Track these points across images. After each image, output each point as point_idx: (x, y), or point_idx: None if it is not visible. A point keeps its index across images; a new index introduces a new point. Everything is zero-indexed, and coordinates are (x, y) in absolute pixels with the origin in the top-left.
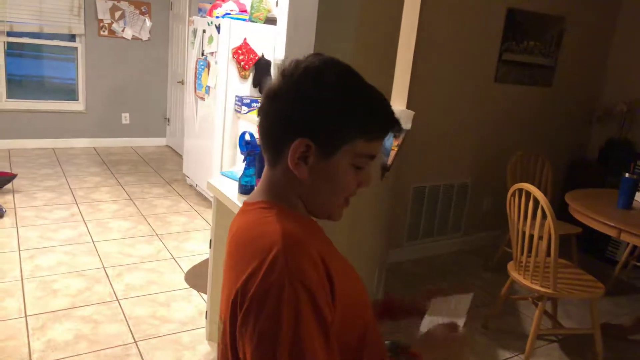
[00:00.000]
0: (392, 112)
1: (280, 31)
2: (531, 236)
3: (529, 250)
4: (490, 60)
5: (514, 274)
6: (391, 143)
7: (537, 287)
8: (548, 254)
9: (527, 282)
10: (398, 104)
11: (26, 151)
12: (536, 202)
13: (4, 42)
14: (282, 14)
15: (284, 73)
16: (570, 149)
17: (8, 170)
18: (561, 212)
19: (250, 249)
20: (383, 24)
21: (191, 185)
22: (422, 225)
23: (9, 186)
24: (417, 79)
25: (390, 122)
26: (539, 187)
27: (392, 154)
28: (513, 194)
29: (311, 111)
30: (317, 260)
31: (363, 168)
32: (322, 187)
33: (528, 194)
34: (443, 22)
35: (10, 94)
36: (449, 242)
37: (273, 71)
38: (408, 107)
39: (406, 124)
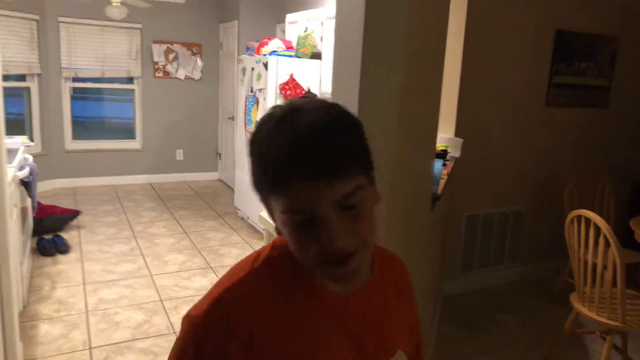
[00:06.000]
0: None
1: (325, 65)
2: (594, 265)
3: (593, 281)
4: (541, 84)
5: (578, 306)
6: (440, 172)
7: (604, 320)
8: (614, 284)
9: (592, 315)
10: (446, 131)
11: (89, 188)
12: (597, 229)
13: (70, 88)
14: (327, 48)
15: None
16: (632, 172)
17: (73, 207)
18: (627, 240)
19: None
20: (429, 51)
21: (242, 218)
22: (477, 255)
23: (74, 222)
24: (465, 105)
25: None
26: (600, 213)
27: (442, 182)
28: (572, 221)
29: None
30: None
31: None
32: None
33: (588, 220)
34: (489, 47)
35: (75, 135)
36: (507, 273)
37: None
38: (457, 134)
39: (455, 152)
